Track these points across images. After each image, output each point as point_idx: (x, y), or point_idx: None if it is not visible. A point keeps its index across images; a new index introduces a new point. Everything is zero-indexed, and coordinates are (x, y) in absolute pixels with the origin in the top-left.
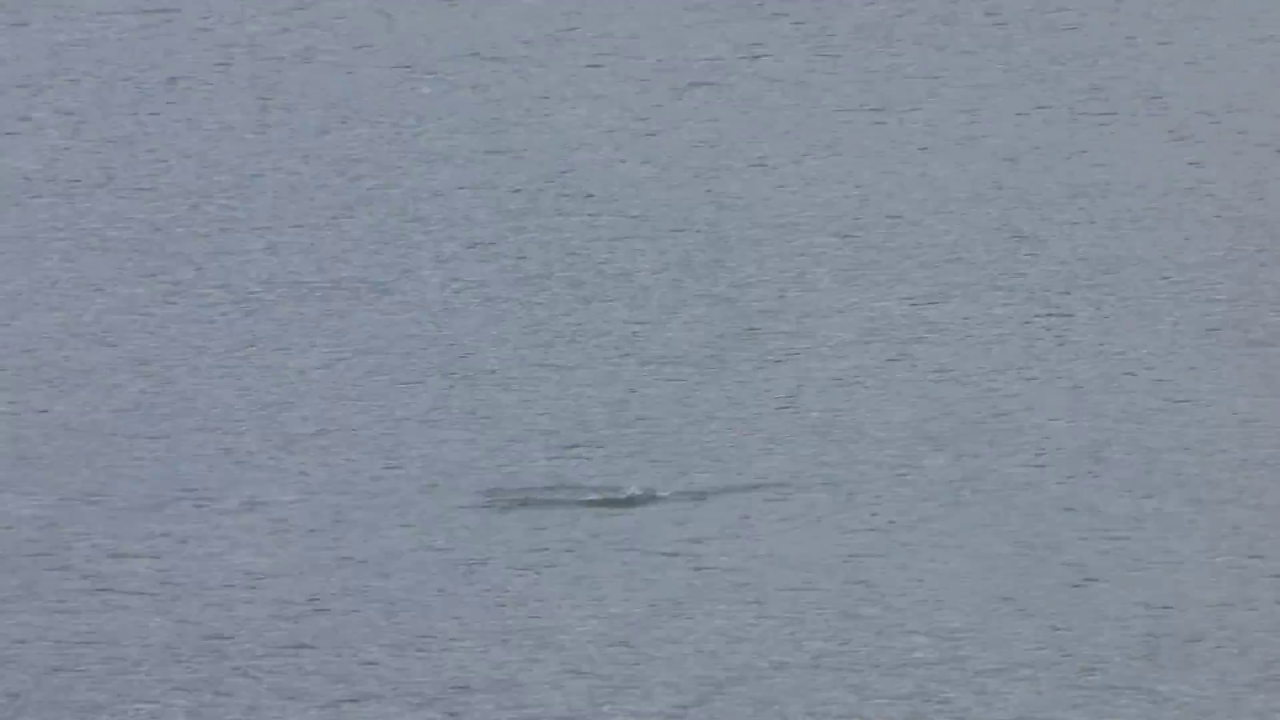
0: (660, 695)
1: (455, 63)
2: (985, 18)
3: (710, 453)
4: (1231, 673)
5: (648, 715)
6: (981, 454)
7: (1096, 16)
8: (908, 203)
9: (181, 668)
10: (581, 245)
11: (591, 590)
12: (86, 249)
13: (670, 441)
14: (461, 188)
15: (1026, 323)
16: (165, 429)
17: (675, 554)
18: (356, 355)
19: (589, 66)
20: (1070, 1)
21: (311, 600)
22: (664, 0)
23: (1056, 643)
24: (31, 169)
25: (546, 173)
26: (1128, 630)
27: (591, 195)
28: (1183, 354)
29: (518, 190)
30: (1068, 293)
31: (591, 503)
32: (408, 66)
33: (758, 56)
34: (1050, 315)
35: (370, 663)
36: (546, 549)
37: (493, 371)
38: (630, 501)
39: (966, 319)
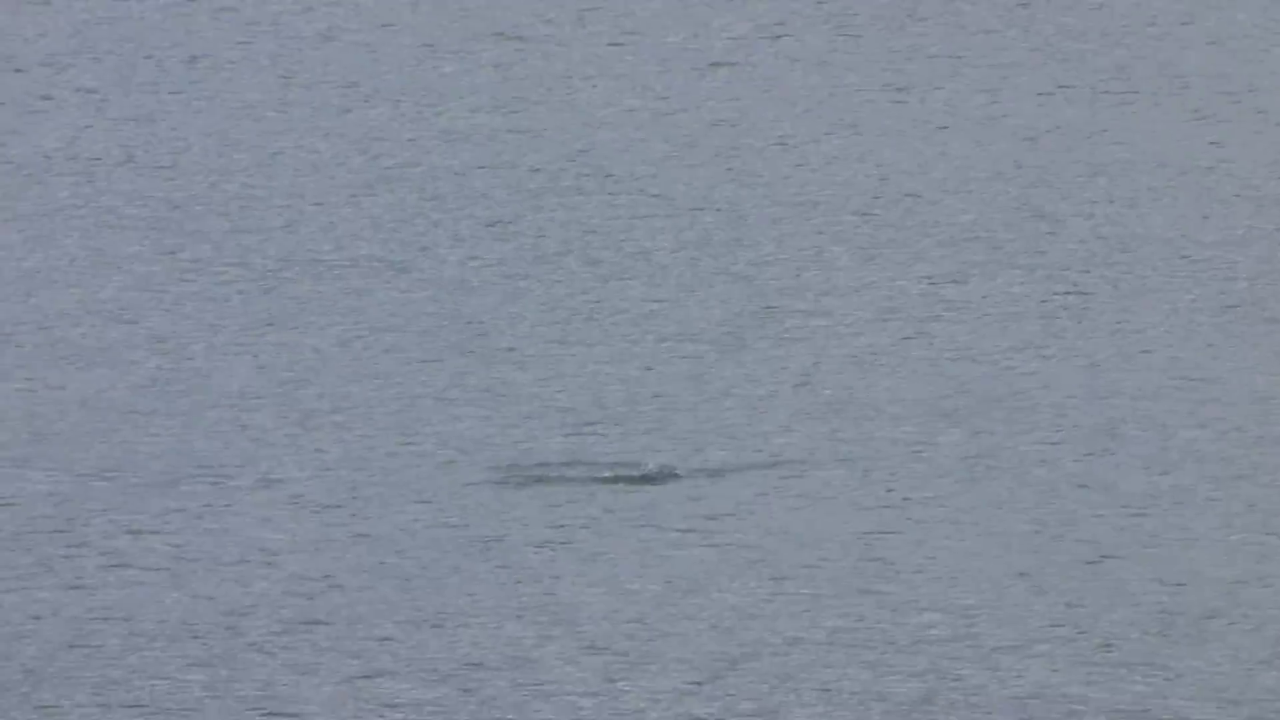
0: (675, 671)
1: (477, 42)
2: None
3: (727, 430)
4: (1245, 649)
5: (663, 691)
6: (997, 431)
7: None
8: (927, 182)
9: (197, 644)
10: (600, 224)
11: (607, 567)
12: (105, 227)
13: (687, 419)
14: (481, 167)
15: (1044, 301)
16: (182, 406)
17: (691, 530)
18: (374, 333)
19: (610, 46)
20: None
21: (326, 577)
22: None
23: (1071, 619)
24: (53, 147)
25: (566, 152)
26: (1143, 607)
27: (611, 174)
28: (1200, 332)
29: (537, 169)
30: (1086, 271)
31: (608, 479)
32: (429, 46)
33: (779, 36)
34: (1068, 294)
35: (385, 639)
36: (563, 526)
37: (510, 349)
38: (647, 478)
39: (985, 297)
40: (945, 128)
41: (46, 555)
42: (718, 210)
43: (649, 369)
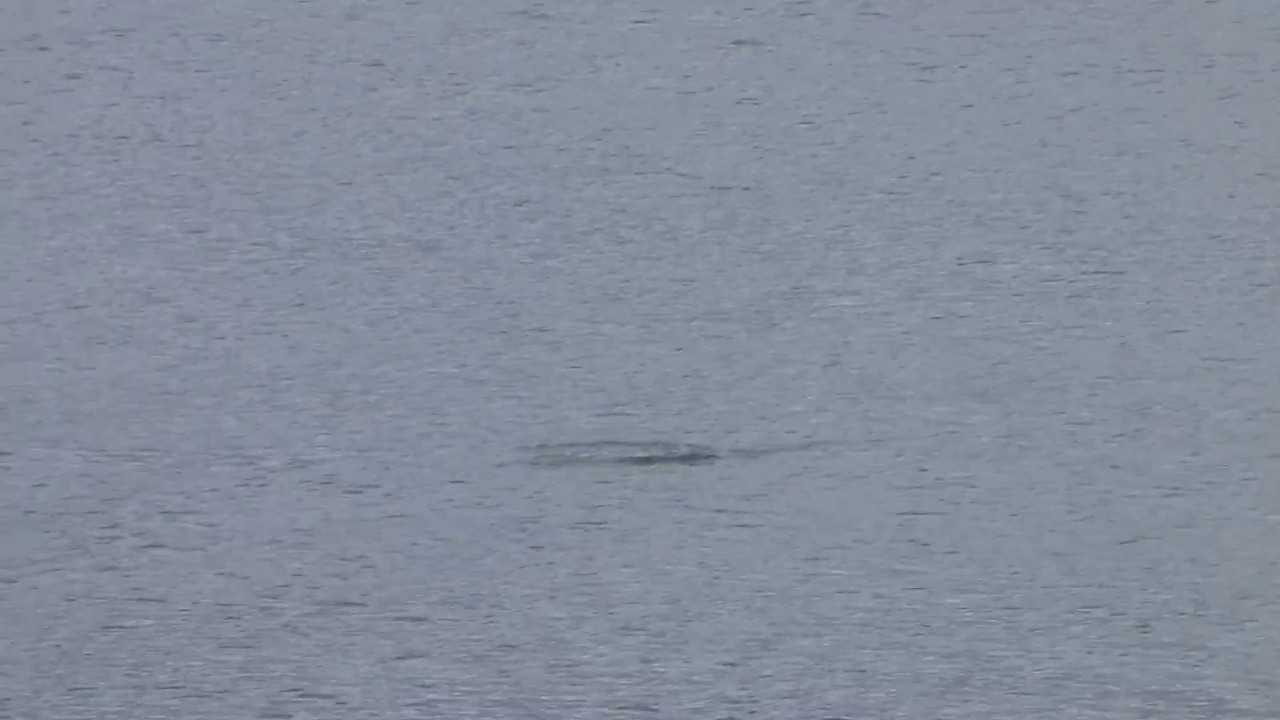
0: (709, 652)
1: (502, 20)
2: None
3: (758, 410)
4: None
5: (697, 673)
6: (1028, 412)
7: None
8: (953, 161)
9: (231, 624)
10: (628, 203)
11: (640, 547)
12: (132, 205)
13: (718, 399)
14: (507, 146)
15: (1073, 280)
16: (212, 386)
17: (722, 510)
18: (403, 313)
19: (635, 24)
20: None
21: (359, 557)
22: None
23: (1105, 600)
24: (79, 125)
25: (592, 131)
26: (1176, 587)
27: (637, 153)
28: (1230, 311)
29: (563, 148)
30: (1115, 251)
31: (640, 460)
32: (454, 24)
33: (804, 15)
34: (1097, 273)
35: (418, 620)
36: (595, 506)
37: (540, 329)
38: (679, 459)
39: (1014, 277)
40: (970, 106)
41: (80, 537)
42: (745, 189)
43: (679, 349)
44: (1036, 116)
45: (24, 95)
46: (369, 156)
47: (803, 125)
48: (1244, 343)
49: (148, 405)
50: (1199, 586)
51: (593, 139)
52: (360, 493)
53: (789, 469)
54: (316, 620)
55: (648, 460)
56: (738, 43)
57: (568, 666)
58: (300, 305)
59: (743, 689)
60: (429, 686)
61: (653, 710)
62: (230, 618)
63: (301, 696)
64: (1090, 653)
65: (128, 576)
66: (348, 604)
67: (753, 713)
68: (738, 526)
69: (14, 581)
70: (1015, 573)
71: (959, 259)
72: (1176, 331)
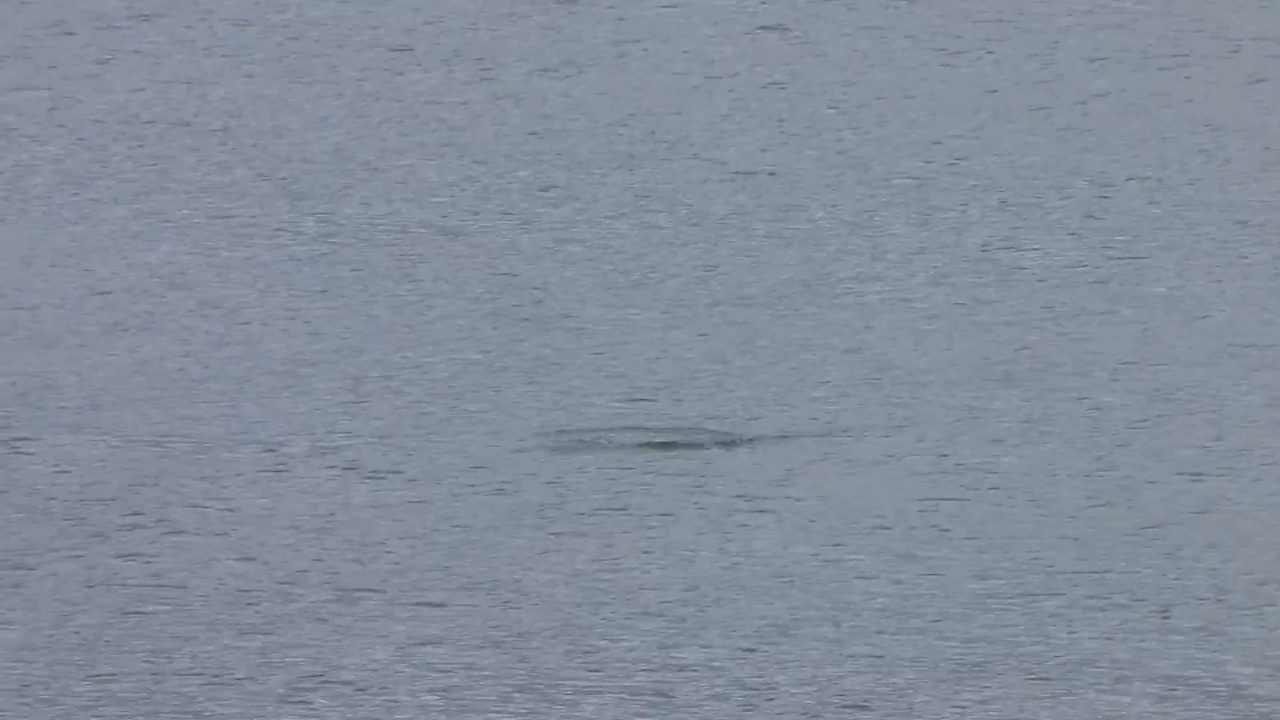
0: (728, 638)
1: (529, 5)
2: None
3: (780, 396)
4: None
5: (715, 659)
6: (1050, 397)
7: None
8: (979, 146)
9: (251, 610)
10: (653, 188)
11: (661, 533)
12: (157, 191)
13: (740, 384)
14: (533, 131)
15: (1097, 266)
16: (234, 371)
17: (743, 495)
18: (426, 299)
19: (661, 9)
20: None
21: (380, 544)
22: None
23: (1125, 586)
24: (105, 111)
25: (618, 116)
26: (1197, 573)
27: (663, 139)
28: (1255, 297)
29: (590, 134)
30: (1139, 236)
31: (661, 446)
32: (482, 8)
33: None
34: (1121, 259)
35: (438, 605)
36: (616, 492)
37: (563, 315)
38: (701, 444)
39: (1038, 262)
40: (995, 91)
41: (100, 523)
42: (770, 174)
43: (702, 334)
44: (1062, 102)
45: (50, 80)
46: (394, 142)
47: (829, 110)
48: (1268, 329)
49: (169, 391)
50: (1219, 572)
51: (618, 124)
52: (381, 479)
53: (810, 455)
54: (336, 606)
55: (669, 446)
56: (764, 28)
57: (586, 653)
58: (323, 291)
59: (761, 675)
60: (448, 672)
61: (670, 696)
62: (250, 604)
63: (321, 683)
64: (1109, 639)
65: (148, 563)
66: (367, 590)
67: (771, 699)
68: (759, 512)
69: (34, 568)
70: (1035, 558)
71: (983, 245)
72: (1200, 317)
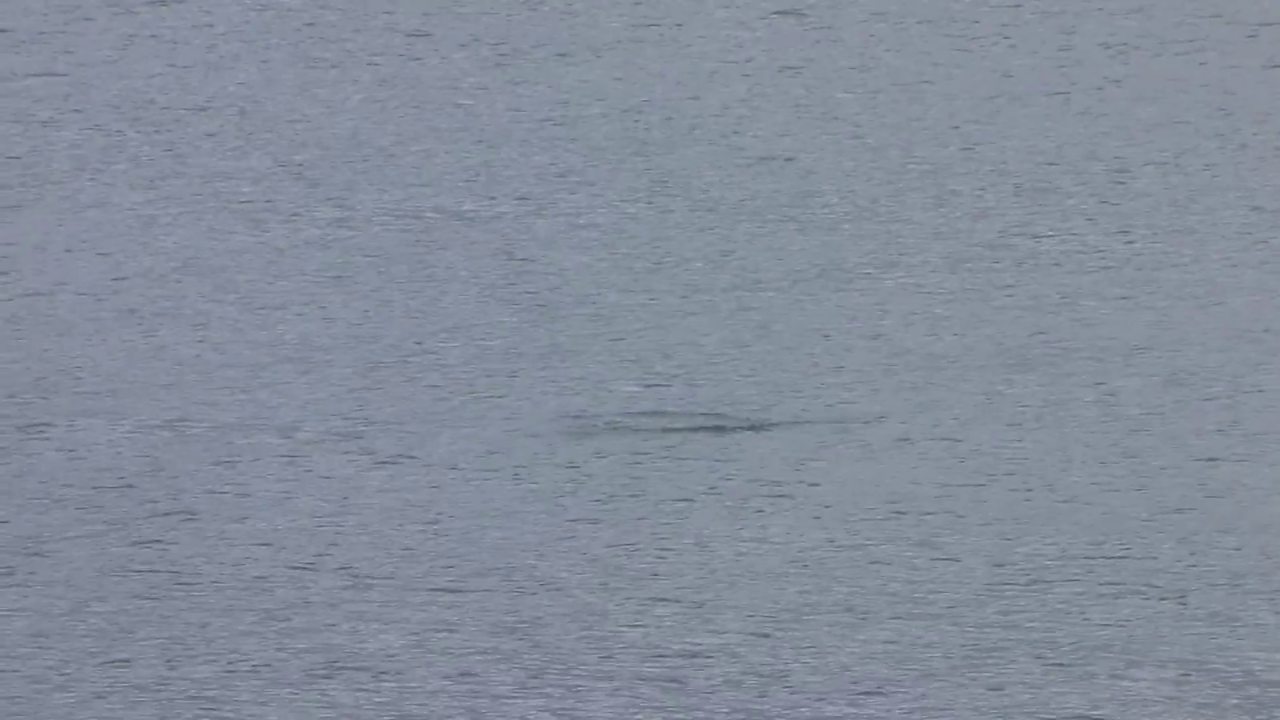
0: (740, 623)
1: None
2: None
3: (796, 382)
4: None
5: (730, 644)
6: (1065, 383)
7: None
8: (994, 131)
9: (266, 597)
10: (668, 173)
11: (675, 519)
12: (173, 176)
13: (756, 370)
14: (548, 117)
15: (1113, 252)
16: (248, 358)
17: (757, 481)
18: (441, 284)
19: None
20: None
21: (395, 529)
22: None
23: (1140, 571)
24: (122, 96)
25: (634, 102)
26: (1211, 559)
27: (678, 124)
28: (1270, 283)
29: (606, 119)
30: (1155, 221)
31: (676, 431)
32: None
33: None
34: (1137, 244)
35: (451, 591)
36: (632, 478)
37: (579, 300)
38: (716, 430)
39: (1055, 248)
40: (1011, 76)
41: (116, 509)
42: (786, 160)
43: (718, 320)
44: (1079, 88)
45: (68, 66)
46: (410, 127)
47: (844, 96)
48: None
49: (185, 377)
50: (1234, 558)
51: (634, 110)
52: (396, 464)
53: (827, 440)
54: (351, 592)
55: (684, 431)
56: (780, 13)
57: (600, 639)
58: (338, 277)
59: (775, 661)
60: (461, 657)
61: (684, 682)
62: (265, 590)
63: (336, 669)
64: (1124, 625)
65: (163, 549)
66: (383, 576)
67: (785, 685)
68: (775, 498)
69: (50, 554)
70: (1050, 544)
71: (999, 231)
72: (1216, 303)
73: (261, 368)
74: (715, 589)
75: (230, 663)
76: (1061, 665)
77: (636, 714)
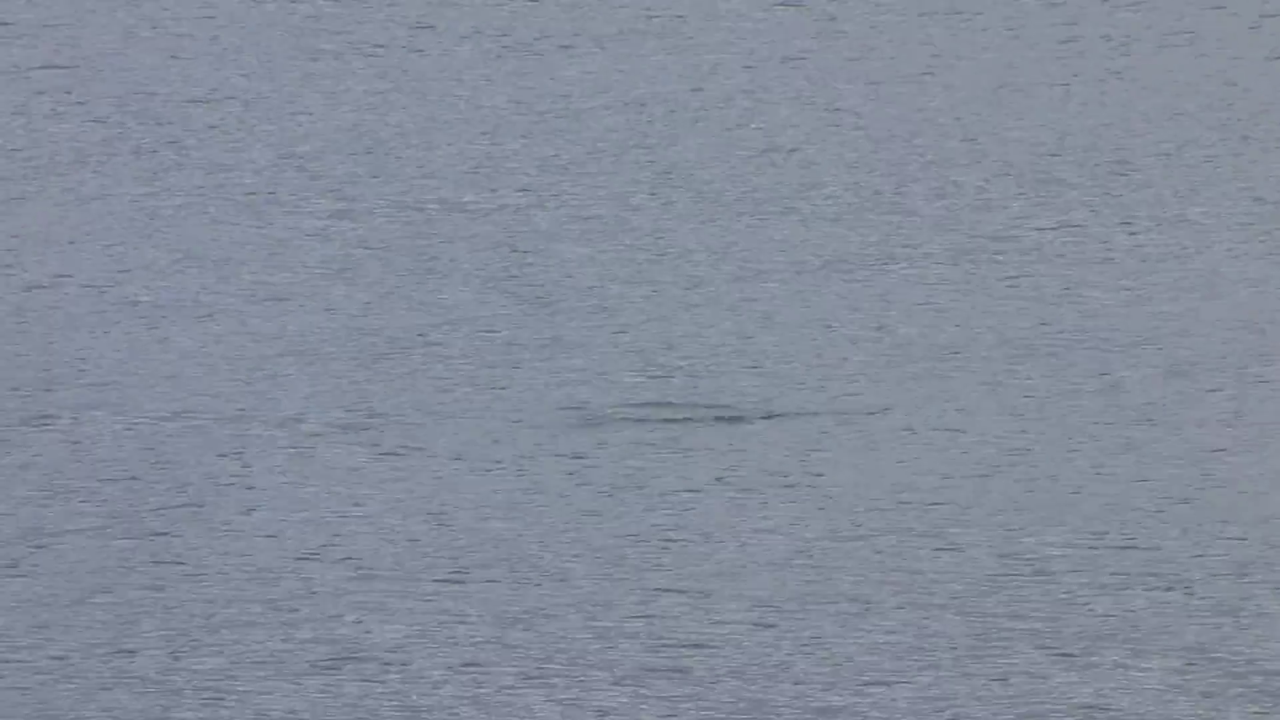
0: (747, 610)
1: None
2: None
3: (799, 373)
4: None
5: (734, 635)
6: (1068, 373)
7: None
8: (998, 123)
9: (271, 588)
10: (672, 164)
11: (679, 509)
12: (174, 169)
13: (759, 362)
14: (552, 108)
15: (1116, 242)
16: (251, 351)
17: (761, 471)
18: (443, 276)
19: None
20: None
21: (400, 520)
22: None
23: (1142, 562)
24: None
25: (637, 94)
26: (1214, 550)
27: (681, 115)
28: (1274, 274)
29: (609, 110)
30: (1158, 213)
31: (680, 422)
32: None
33: None
34: (1140, 235)
35: (455, 583)
36: (634, 469)
37: (582, 290)
38: (719, 421)
39: (1058, 239)
40: (1013, 67)
41: (121, 501)
42: (789, 151)
43: (721, 311)
44: (1081, 79)
45: (74, 59)
46: (412, 119)
47: (846, 87)
48: None
49: (188, 369)
50: (1237, 549)
51: (637, 102)
52: (400, 455)
53: (830, 431)
54: (353, 584)
55: (689, 423)
56: (783, 4)
57: (604, 627)
58: (341, 269)
59: (777, 650)
60: (466, 648)
61: (688, 672)
62: (268, 583)
63: (340, 660)
64: (1130, 613)
65: (168, 541)
66: (385, 567)
67: (789, 675)
68: (777, 488)
69: (55, 546)
70: (1051, 534)
71: (1002, 222)
72: (1219, 294)
73: (265, 360)
74: (719, 579)
75: (235, 654)
76: (1066, 655)
77: (641, 704)
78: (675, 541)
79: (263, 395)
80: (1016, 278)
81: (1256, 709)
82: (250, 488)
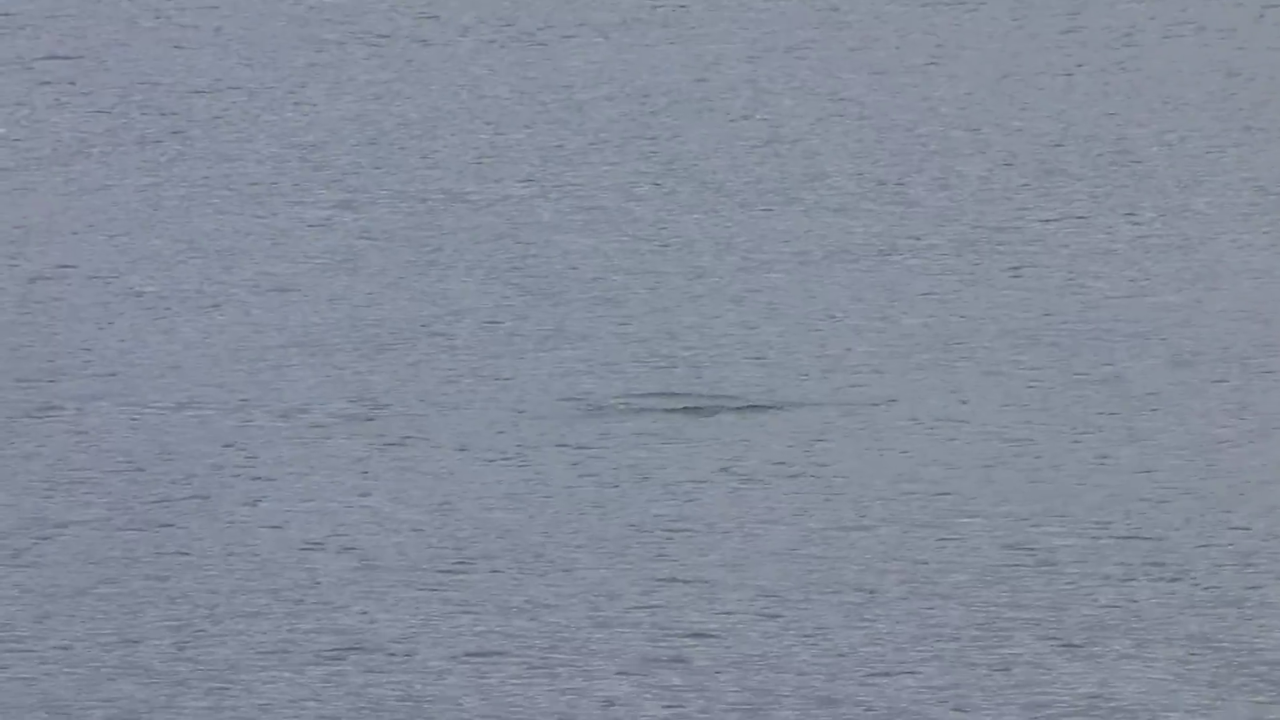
0: (751, 601)
1: None
2: None
3: (804, 364)
4: None
5: (738, 625)
6: (1074, 364)
7: None
8: (1005, 115)
9: (275, 579)
10: (675, 155)
11: (683, 499)
12: (178, 160)
13: (763, 352)
14: (555, 98)
15: (1121, 233)
16: (256, 341)
17: (767, 462)
18: (447, 267)
19: None
20: None
21: (404, 511)
22: None
23: (1145, 552)
24: (130, 81)
25: (639, 84)
26: (1218, 541)
27: (685, 106)
28: (1278, 265)
29: (612, 100)
30: (1162, 205)
31: (685, 412)
32: None
33: None
34: (1143, 226)
35: (459, 574)
36: (638, 459)
37: (585, 281)
38: (723, 412)
39: (1062, 229)
40: (1019, 55)
41: (126, 492)
42: (793, 142)
43: (725, 301)
44: (1085, 69)
45: (78, 49)
46: (416, 109)
47: (850, 77)
48: None
49: (192, 360)
50: (1240, 540)
51: (641, 92)
52: (404, 446)
53: (833, 422)
54: (359, 574)
55: (693, 413)
56: None
57: (607, 618)
58: (345, 260)
59: (781, 641)
60: (470, 639)
61: (692, 663)
62: (274, 573)
63: (346, 650)
64: (1132, 603)
65: (173, 532)
66: (391, 558)
67: (793, 665)
68: (782, 479)
69: (59, 537)
70: (1056, 525)
71: (1006, 212)
72: (1224, 285)
73: (269, 350)
74: (723, 570)
75: (240, 645)
76: (1070, 645)
77: (645, 694)
78: (679, 532)
79: (267, 386)
80: (1020, 268)
81: (1261, 699)
82: (255, 478)
